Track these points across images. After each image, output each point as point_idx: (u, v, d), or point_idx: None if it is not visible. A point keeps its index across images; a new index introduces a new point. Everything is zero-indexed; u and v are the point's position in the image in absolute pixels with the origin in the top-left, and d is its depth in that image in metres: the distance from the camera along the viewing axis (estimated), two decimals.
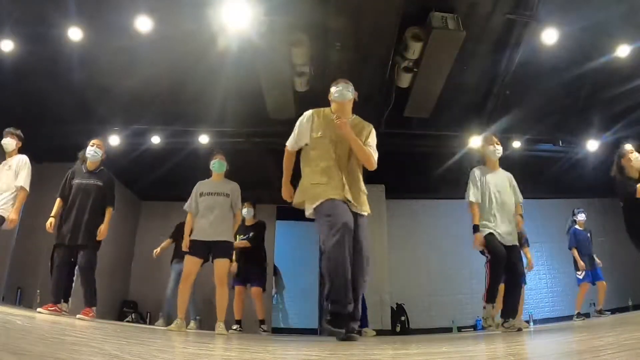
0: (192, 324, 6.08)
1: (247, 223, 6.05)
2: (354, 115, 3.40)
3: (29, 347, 1.23)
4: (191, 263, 4.43)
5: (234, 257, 5.90)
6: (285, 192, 3.40)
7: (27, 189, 4.58)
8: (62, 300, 4.50)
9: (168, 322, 5.82)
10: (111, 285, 8.47)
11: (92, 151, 4.63)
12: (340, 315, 2.80)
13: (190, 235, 4.54)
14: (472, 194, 4.12)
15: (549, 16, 5.39)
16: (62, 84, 6.30)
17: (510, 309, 3.95)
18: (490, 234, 4.01)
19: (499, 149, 4.24)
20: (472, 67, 6.39)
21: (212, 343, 2.53)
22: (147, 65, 6.01)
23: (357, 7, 5.18)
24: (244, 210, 5.96)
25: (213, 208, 4.52)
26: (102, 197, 4.62)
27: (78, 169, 4.69)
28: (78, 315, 4.24)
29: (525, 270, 6.21)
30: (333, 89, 3.34)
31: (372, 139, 3.35)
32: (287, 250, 9.32)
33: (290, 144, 3.39)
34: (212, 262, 4.52)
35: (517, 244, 4.10)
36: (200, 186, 4.69)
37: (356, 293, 2.94)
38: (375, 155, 3.29)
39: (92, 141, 4.71)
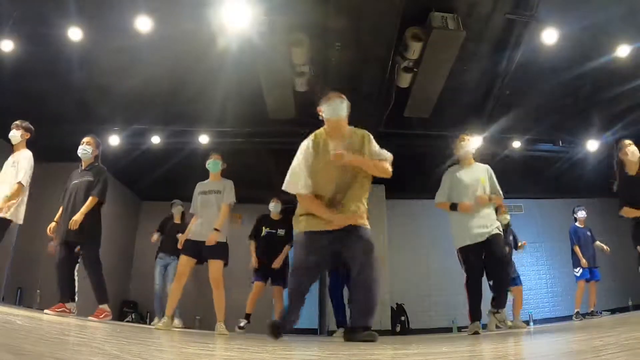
0: (156, 320, 6.13)
1: (274, 217, 6.06)
2: (349, 130, 3.11)
3: (29, 347, 1.23)
4: (184, 262, 4.43)
5: (253, 251, 5.88)
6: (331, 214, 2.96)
7: (24, 184, 4.41)
8: (70, 300, 4.49)
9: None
10: (111, 285, 8.45)
11: (82, 149, 4.68)
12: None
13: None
14: (438, 195, 4.22)
15: (549, 16, 5.39)
16: (62, 84, 6.30)
17: (499, 299, 3.93)
18: (466, 246, 3.98)
19: (465, 145, 4.23)
20: (472, 67, 6.38)
21: (212, 343, 2.53)
22: (147, 65, 6.01)
23: (357, 7, 5.17)
24: (271, 205, 6.05)
25: (204, 207, 4.56)
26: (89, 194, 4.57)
27: (74, 172, 4.74)
28: (90, 317, 4.25)
29: (518, 271, 6.25)
30: (324, 107, 3.04)
31: (374, 145, 3.11)
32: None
33: (301, 188, 2.98)
34: (205, 263, 4.49)
35: (497, 233, 3.99)
36: (199, 187, 4.75)
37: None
38: (386, 159, 3.09)
39: (83, 140, 4.74)
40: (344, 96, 3.07)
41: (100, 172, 4.68)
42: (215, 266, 4.40)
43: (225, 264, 4.51)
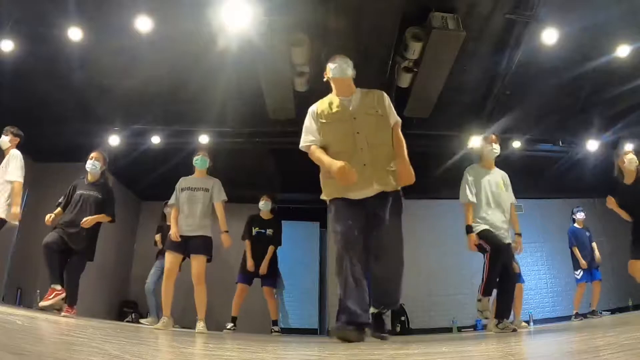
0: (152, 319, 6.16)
1: (264, 217, 6.07)
2: (358, 89, 3.19)
3: (29, 347, 1.22)
4: (171, 259, 4.48)
5: (249, 254, 5.86)
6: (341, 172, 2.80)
7: (20, 180, 4.57)
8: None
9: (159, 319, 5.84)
10: (111, 285, 8.47)
11: (91, 164, 4.84)
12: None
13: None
14: (468, 194, 4.14)
15: (549, 16, 5.39)
16: (62, 84, 6.30)
17: (504, 310, 3.94)
18: (486, 229, 4.01)
19: (496, 148, 4.24)
20: (472, 67, 6.38)
21: (212, 343, 2.53)
22: (147, 65, 6.01)
23: (357, 7, 5.17)
24: (261, 203, 6.04)
25: (190, 203, 4.59)
26: (100, 209, 4.76)
27: (80, 182, 4.89)
28: (62, 314, 4.32)
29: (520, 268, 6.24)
30: (330, 65, 3.14)
31: (388, 104, 3.18)
32: (288, 250, 9.37)
33: (308, 141, 3.05)
34: (189, 258, 4.55)
35: (510, 244, 4.08)
36: (182, 182, 4.78)
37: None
38: (397, 123, 3.23)
39: (91, 154, 4.90)
40: (348, 58, 3.15)
41: (109, 192, 4.89)
42: (198, 261, 4.46)
43: (209, 260, 4.57)
